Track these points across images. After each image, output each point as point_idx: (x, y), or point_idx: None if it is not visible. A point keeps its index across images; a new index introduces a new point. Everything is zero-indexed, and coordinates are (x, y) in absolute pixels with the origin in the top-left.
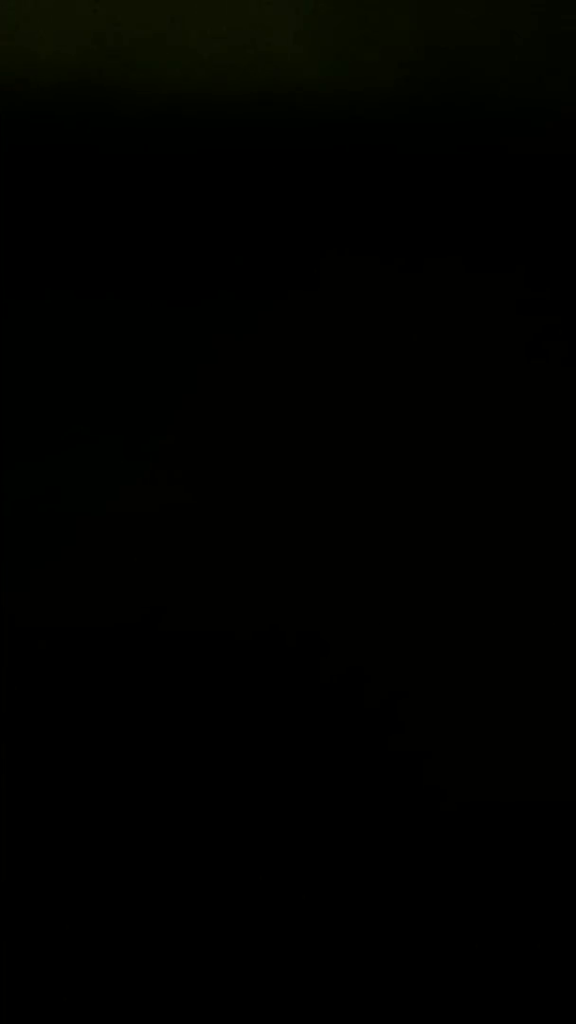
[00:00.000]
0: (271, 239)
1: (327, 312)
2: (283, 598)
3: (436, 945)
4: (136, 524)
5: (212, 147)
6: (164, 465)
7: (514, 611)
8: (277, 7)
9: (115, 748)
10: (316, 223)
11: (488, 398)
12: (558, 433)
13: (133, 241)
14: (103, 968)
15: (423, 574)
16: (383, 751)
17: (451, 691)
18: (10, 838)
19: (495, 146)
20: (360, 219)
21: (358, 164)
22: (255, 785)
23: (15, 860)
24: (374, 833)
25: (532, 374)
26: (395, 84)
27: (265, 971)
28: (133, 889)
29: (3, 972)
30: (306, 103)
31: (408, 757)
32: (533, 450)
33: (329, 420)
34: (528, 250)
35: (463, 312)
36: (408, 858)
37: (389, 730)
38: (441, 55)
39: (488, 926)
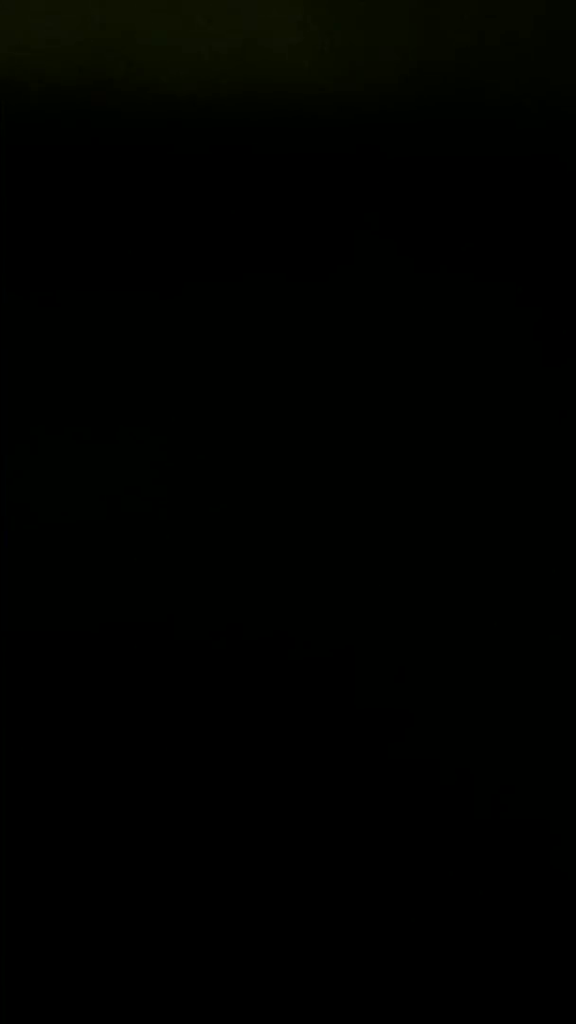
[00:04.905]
0: (271, 239)
1: (328, 311)
2: (283, 595)
3: (436, 947)
4: (136, 522)
5: (211, 147)
6: (164, 462)
7: (515, 614)
8: (277, 7)
9: (115, 749)
10: (316, 222)
11: (488, 397)
12: (559, 432)
13: (133, 241)
14: (103, 968)
15: (424, 574)
16: (382, 753)
17: (451, 693)
18: (10, 839)
19: (495, 146)
20: (360, 218)
21: (358, 163)
22: (255, 786)
23: (15, 862)
24: (374, 835)
25: (532, 371)
26: (395, 84)
27: (265, 971)
28: (133, 891)
29: (3, 972)
30: (306, 103)
31: (407, 759)
32: (535, 448)
33: (329, 420)
34: (528, 250)
35: (464, 312)
36: (407, 860)
37: (388, 732)
38: (441, 55)
39: (488, 926)
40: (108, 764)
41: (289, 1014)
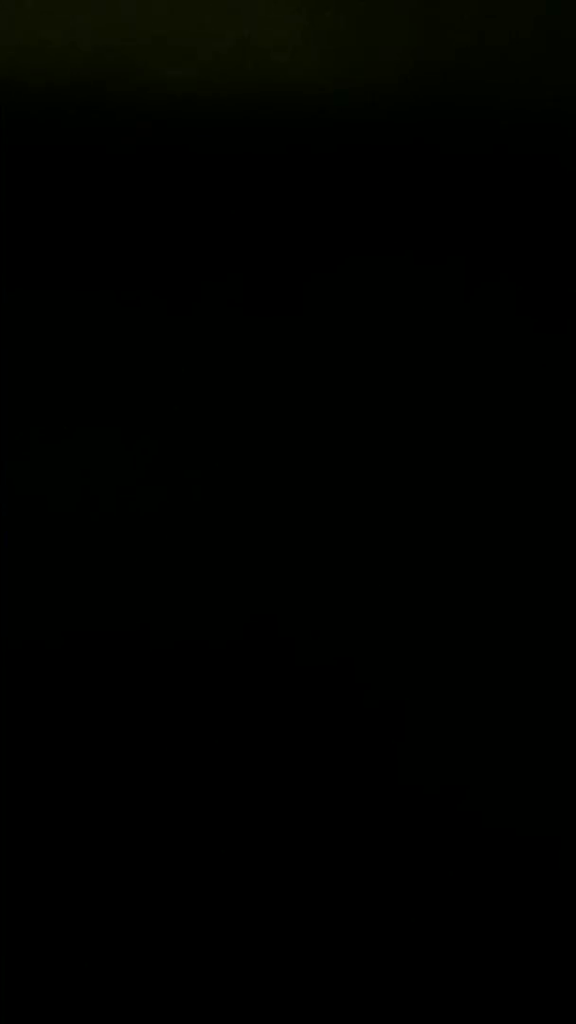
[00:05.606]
0: (270, 238)
1: (328, 311)
2: (283, 595)
3: (436, 949)
4: (136, 522)
5: (211, 147)
6: (164, 463)
7: (515, 614)
8: (277, 7)
9: (115, 749)
10: (316, 222)
11: (488, 396)
12: (559, 431)
13: (133, 240)
14: (103, 968)
15: (424, 575)
16: (382, 756)
17: (451, 696)
18: (10, 840)
19: (495, 146)
20: (361, 218)
21: (358, 163)
22: (256, 785)
23: (16, 862)
24: (373, 839)
25: (532, 371)
26: (395, 84)
27: (265, 971)
28: (135, 895)
29: (3, 972)
30: (306, 103)
31: (407, 763)
32: (535, 448)
33: (330, 419)
34: (528, 250)
35: (463, 312)
36: (407, 861)
37: (388, 735)
38: (441, 55)
39: (488, 927)
40: (108, 764)
41: (289, 1014)
